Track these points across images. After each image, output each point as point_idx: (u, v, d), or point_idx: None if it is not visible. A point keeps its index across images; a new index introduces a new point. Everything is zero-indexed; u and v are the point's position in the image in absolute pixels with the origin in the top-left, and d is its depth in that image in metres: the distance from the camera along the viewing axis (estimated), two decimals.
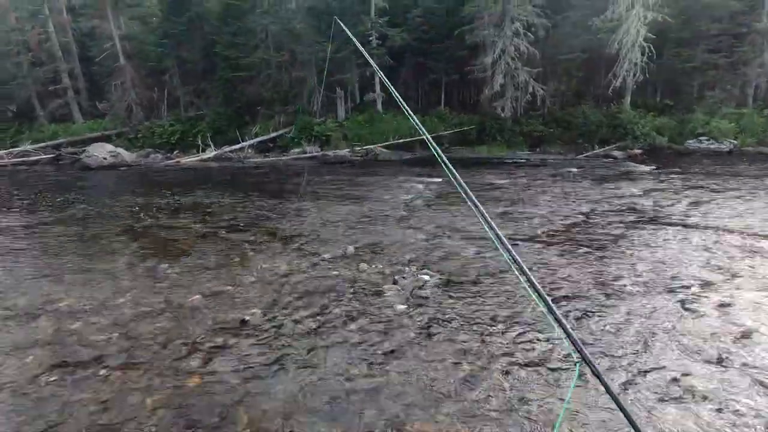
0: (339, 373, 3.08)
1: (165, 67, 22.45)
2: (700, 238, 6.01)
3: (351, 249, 5.80)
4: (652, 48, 17.45)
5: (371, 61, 2.85)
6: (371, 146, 18.54)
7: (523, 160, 16.44)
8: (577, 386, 2.82)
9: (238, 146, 19.53)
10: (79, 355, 3.39)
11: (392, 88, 2.56)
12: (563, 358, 3.19)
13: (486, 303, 4.15)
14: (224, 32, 20.71)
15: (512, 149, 18.62)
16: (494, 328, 3.67)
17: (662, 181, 10.80)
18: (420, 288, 4.51)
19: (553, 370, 3.06)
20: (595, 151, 17.67)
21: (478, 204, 1.93)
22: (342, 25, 3.24)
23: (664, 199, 8.61)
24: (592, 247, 5.74)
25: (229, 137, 20.31)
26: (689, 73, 19.56)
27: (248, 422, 2.61)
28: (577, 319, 3.79)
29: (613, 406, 2.60)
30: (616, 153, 17.01)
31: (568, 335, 1.63)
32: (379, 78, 20.19)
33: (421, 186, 10.91)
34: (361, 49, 3.16)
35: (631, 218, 7.24)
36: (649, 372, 3.01)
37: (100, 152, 17.90)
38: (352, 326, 3.76)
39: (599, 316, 3.84)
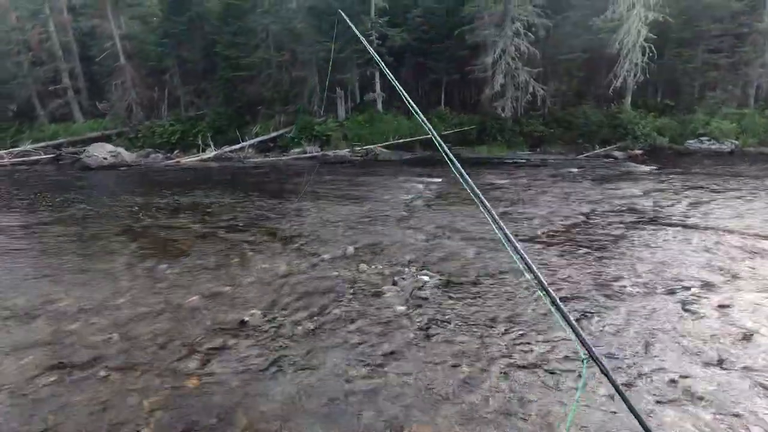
0: (338, 375, 3.07)
1: (165, 66, 22.45)
2: (700, 238, 5.99)
3: (351, 249, 5.79)
4: (653, 48, 17.43)
5: (376, 57, 2.80)
6: (371, 146, 18.53)
7: (523, 161, 16.42)
8: (577, 383, 2.82)
9: (238, 146, 19.54)
10: (77, 355, 3.38)
11: (397, 84, 2.51)
12: (563, 360, 3.18)
13: (486, 304, 4.13)
14: (225, 32, 20.71)
15: (512, 149, 18.59)
16: (494, 329, 3.66)
17: (663, 182, 10.78)
18: (419, 289, 4.50)
19: (553, 371, 3.04)
20: (595, 152, 17.65)
21: (486, 203, 1.92)
22: (347, 19, 3.20)
23: (664, 200, 8.60)
24: (593, 248, 5.72)
25: (230, 137, 20.31)
26: (690, 73, 19.53)
27: (247, 424, 2.60)
28: (577, 320, 3.77)
29: (612, 405, 2.60)
30: (616, 153, 16.99)
31: (577, 334, 1.62)
32: (379, 78, 20.23)
33: (421, 186, 10.90)
34: (366, 44, 3.11)
35: (632, 219, 7.23)
36: (648, 374, 3.00)
37: (101, 152, 17.90)
38: (352, 327, 3.75)
39: (599, 316, 3.83)
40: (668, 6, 17.59)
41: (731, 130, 17.53)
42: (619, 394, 1.64)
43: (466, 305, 4.11)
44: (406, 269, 5.05)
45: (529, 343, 3.42)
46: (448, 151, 2.15)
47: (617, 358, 3.18)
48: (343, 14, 3.23)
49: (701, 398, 2.74)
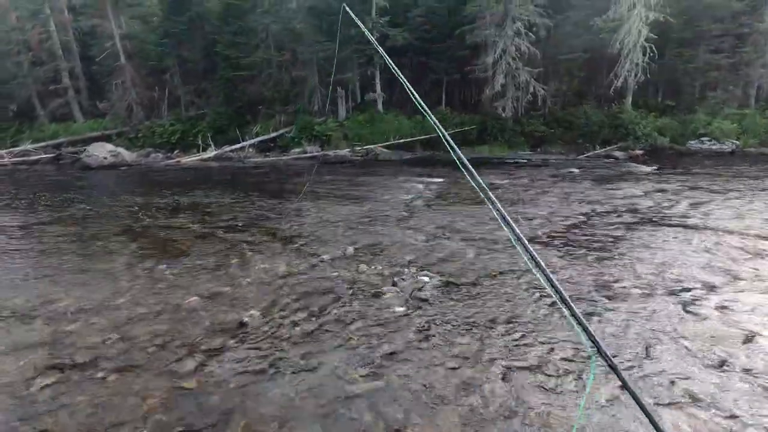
0: (337, 376, 3.06)
1: (166, 66, 22.46)
2: (701, 239, 5.97)
3: (350, 250, 5.77)
4: (653, 48, 17.41)
5: (381, 52, 2.74)
6: (372, 146, 18.52)
7: (524, 161, 16.40)
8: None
9: (238, 146, 19.54)
10: (75, 356, 3.37)
11: (404, 80, 2.45)
12: (563, 361, 3.16)
13: (486, 305, 4.12)
14: (225, 32, 20.72)
15: (513, 149, 18.58)
16: (494, 330, 3.65)
17: (664, 182, 10.75)
18: (419, 290, 4.49)
19: (553, 373, 3.03)
20: (596, 152, 17.63)
21: (496, 201, 1.94)
22: (351, 14, 3.15)
23: (665, 200, 8.57)
24: (593, 248, 5.71)
25: (230, 137, 20.32)
26: (691, 73, 19.52)
27: (244, 427, 2.58)
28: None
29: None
30: (617, 153, 16.96)
31: (586, 330, 1.63)
32: (380, 78, 20.14)
33: (421, 186, 10.88)
34: (372, 39, 3.08)
35: (632, 219, 7.21)
36: (649, 375, 2.98)
37: (101, 152, 17.92)
38: (351, 328, 3.73)
39: (599, 317, 3.81)
40: (669, 6, 17.57)
41: (732, 131, 17.52)
42: (628, 390, 1.64)
43: (466, 306, 4.10)
44: (406, 270, 5.03)
45: (529, 345, 3.40)
46: (456, 149, 2.14)
47: (618, 360, 3.16)
48: (347, 8, 3.15)
49: (702, 400, 2.72)
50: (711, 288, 4.38)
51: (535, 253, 1.79)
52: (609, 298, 4.22)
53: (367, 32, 3.14)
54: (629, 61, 17.76)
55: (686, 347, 3.32)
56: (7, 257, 5.90)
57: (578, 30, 18.55)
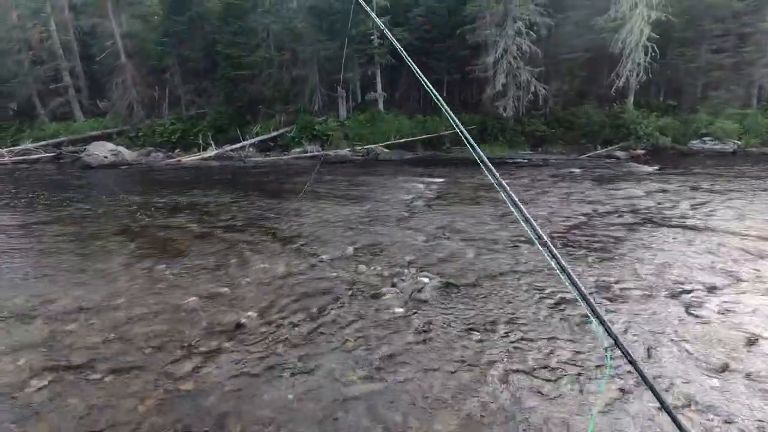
0: (335, 378, 3.03)
1: (166, 65, 22.45)
2: (702, 240, 5.94)
3: (350, 250, 5.75)
4: (655, 48, 17.35)
5: (398, 45, 2.70)
6: (372, 146, 18.50)
7: (524, 160, 16.37)
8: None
9: (239, 145, 19.53)
10: (73, 357, 3.35)
11: (421, 75, 2.40)
12: (563, 362, 3.13)
13: (486, 307, 4.09)
14: (225, 31, 20.71)
15: (514, 149, 18.54)
16: (494, 332, 3.62)
17: (665, 182, 10.71)
18: (419, 291, 4.46)
19: (553, 376, 3.00)
20: (597, 152, 17.58)
21: (516, 200, 1.93)
22: (365, 6, 3.05)
23: (667, 201, 8.53)
24: (594, 249, 5.67)
25: (230, 136, 20.32)
26: (693, 73, 19.44)
27: (240, 429, 2.56)
28: (578, 324, 3.73)
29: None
30: (618, 153, 16.91)
31: (602, 322, 1.62)
32: (381, 77, 20.10)
33: (421, 186, 10.85)
34: (383, 27, 3.00)
35: (634, 220, 7.17)
36: (650, 377, 2.95)
37: (101, 151, 17.92)
38: (350, 330, 3.70)
39: None
40: (671, 5, 17.51)
41: (734, 131, 17.46)
42: (646, 383, 1.63)
43: (465, 308, 4.07)
44: (406, 270, 5.01)
45: (529, 347, 3.38)
46: (475, 146, 2.12)
47: (617, 362, 3.13)
48: (362, 1, 3.00)
49: (704, 404, 2.69)
50: (712, 289, 4.35)
51: (555, 250, 1.80)
52: (610, 299, 4.19)
53: (381, 24, 3.06)
54: (631, 60, 17.70)
55: (687, 350, 3.29)
56: (6, 256, 5.88)
57: (579, 29, 18.49)
